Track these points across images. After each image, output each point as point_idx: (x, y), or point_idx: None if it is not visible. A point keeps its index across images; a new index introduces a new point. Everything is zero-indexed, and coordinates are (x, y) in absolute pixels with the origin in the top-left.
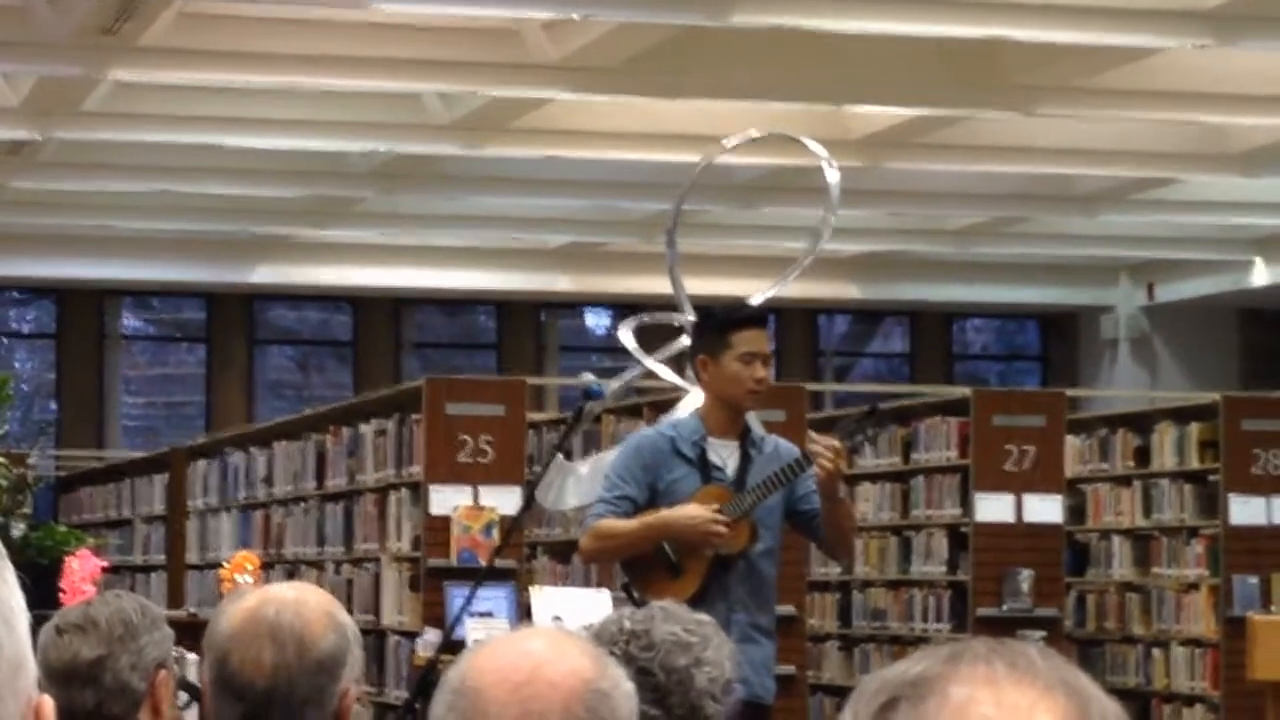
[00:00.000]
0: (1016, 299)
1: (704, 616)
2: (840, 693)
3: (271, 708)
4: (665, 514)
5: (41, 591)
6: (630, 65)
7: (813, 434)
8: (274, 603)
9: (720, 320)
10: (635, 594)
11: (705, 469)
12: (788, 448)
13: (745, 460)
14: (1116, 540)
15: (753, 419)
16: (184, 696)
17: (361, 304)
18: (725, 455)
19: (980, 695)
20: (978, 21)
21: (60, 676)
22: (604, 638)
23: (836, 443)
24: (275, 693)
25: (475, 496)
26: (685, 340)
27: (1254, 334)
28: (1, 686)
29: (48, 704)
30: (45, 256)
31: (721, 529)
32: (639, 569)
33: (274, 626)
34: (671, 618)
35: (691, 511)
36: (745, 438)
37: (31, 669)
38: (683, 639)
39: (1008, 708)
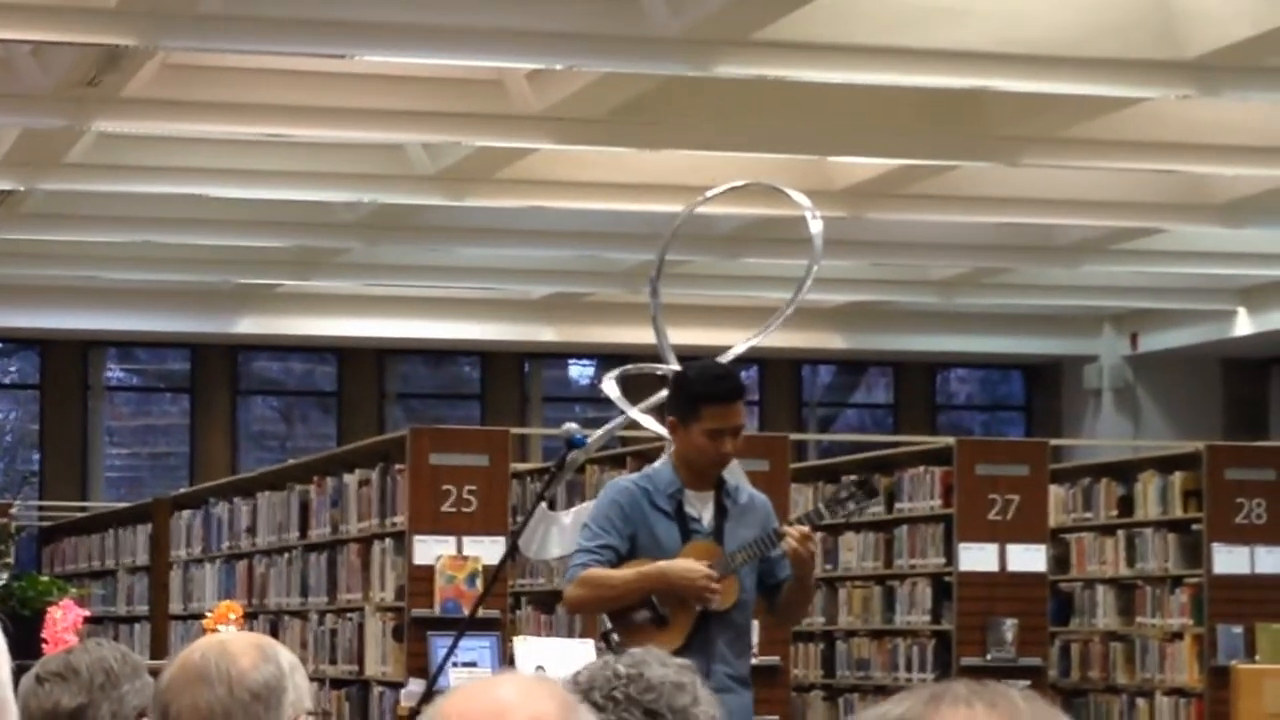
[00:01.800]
0: (1000, 349)
1: (682, 660)
2: None
3: None
4: (662, 566)
5: (24, 642)
6: (614, 116)
7: (789, 524)
8: (200, 648)
9: (693, 391)
10: (615, 642)
11: (683, 521)
12: (761, 500)
13: (721, 512)
14: (1100, 589)
15: (732, 467)
16: None
17: (345, 354)
18: (701, 507)
19: None
20: (960, 72)
21: None
22: (598, 683)
23: (807, 529)
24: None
25: (459, 546)
26: (668, 391)
27: (1237, 383)
28: None
29: None
30: (29, 307)
31: (718, 587)
32: (624, 619)
33: (201, 669)
34: (659, 660)
35: (690, 566)
36: (720, 489)
37: (13, 713)
38: (677, 679)
39: None
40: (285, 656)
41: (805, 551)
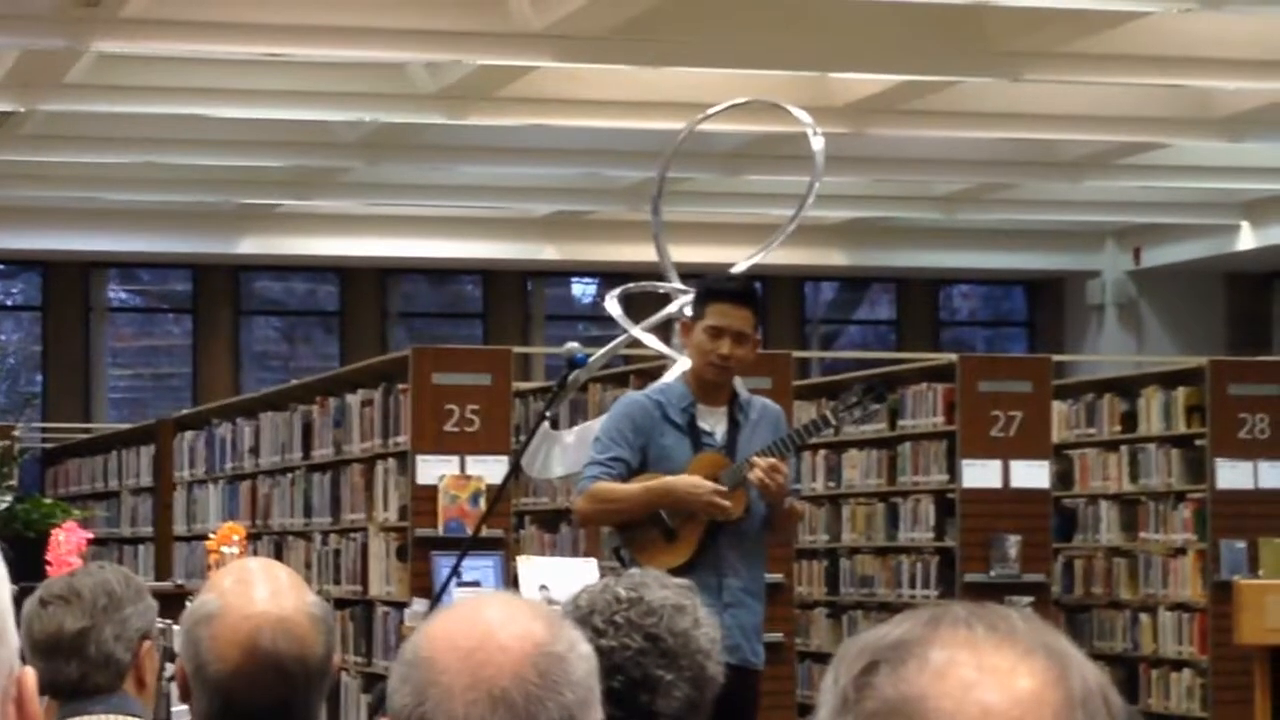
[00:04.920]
0: (1003, 265)
1: (682, 580)
2: (828, 659)
3: None
4: (668, 480)
5: (28, 564)
6: (615, 33)
7: (754, 458)
8: (266, 630)
9: (703, 289)
10: (627, 557)
11: (695, 435)
12: (774, 409)
13: (733, 426)
14: (1104, 505)
15: (738, 381)
16: (169, 668)
17: (347, 274)
18: (713, 421)
19: (960, 658)
20: None
21: (44, 649)
22: (598, 607)
23: (774, 459)
24: (287, 711)
25: (462, 466)
26: (671, 308)
27: (1240, 298)
28: None
29: (29, 676)
30: (31, 229)
31: (723, 501)
32: (633, 534)
33: (276, 660)
34: (659, 582)
35: (695, 480)
36: (733, 402)
37: (13, 639)
38: (678, 601)
39: (988, 670)
40: (326, 611)
41: (772, 483)
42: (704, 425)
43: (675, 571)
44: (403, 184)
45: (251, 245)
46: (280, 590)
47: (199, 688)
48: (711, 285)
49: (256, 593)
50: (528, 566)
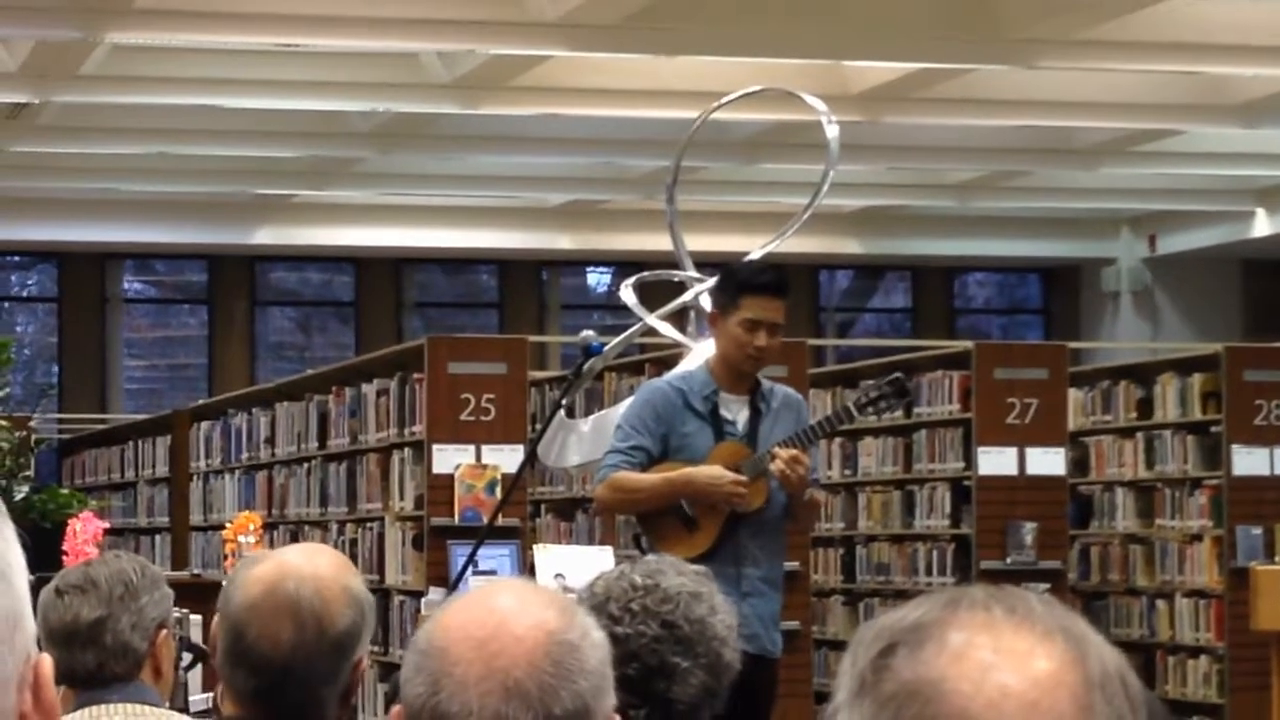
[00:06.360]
0: (1018, 252)
1: (698, 567)
2: (844, 647)
3: (287, 684)
4: (689, 471)
5: (44, 554)
6: (629, 22)
7: (776, 449)
8: (293, 577)
9: (736, 281)
10: (646, 545)
11: (717, 424)
12: (796, 398)
13: (755, 414)
14: (1120, 492)
15: None
16: (186, 657)
17: (363, 264)
18: (736, 410)
19: (979, 640)
20: None
21: (61, 638)
22: (614, 594)
23: (796, 450)
24: (292, 670)
25: (478, 455)
26: (686, 296)
27: (1256, 285)
28: None
29: (46, 663)
30: (46, 220)
31: (744, 492)
32: (653, 522)
33: (294, 604)
34: (675, 569)
35: (716, 471)
36: (755, 391)
37: (30, 627)
38: (694, 588)
39: (1006, 652)
40: (366, 599)
41: (794, 475)
42: (726, 414)
43: (695, 561)
44: (417, 174)
45: (266, 236)
46: (322, 563)
47: (222, 624)
48: (746, 278)
49: (299, 555)
50: (544, 555)
